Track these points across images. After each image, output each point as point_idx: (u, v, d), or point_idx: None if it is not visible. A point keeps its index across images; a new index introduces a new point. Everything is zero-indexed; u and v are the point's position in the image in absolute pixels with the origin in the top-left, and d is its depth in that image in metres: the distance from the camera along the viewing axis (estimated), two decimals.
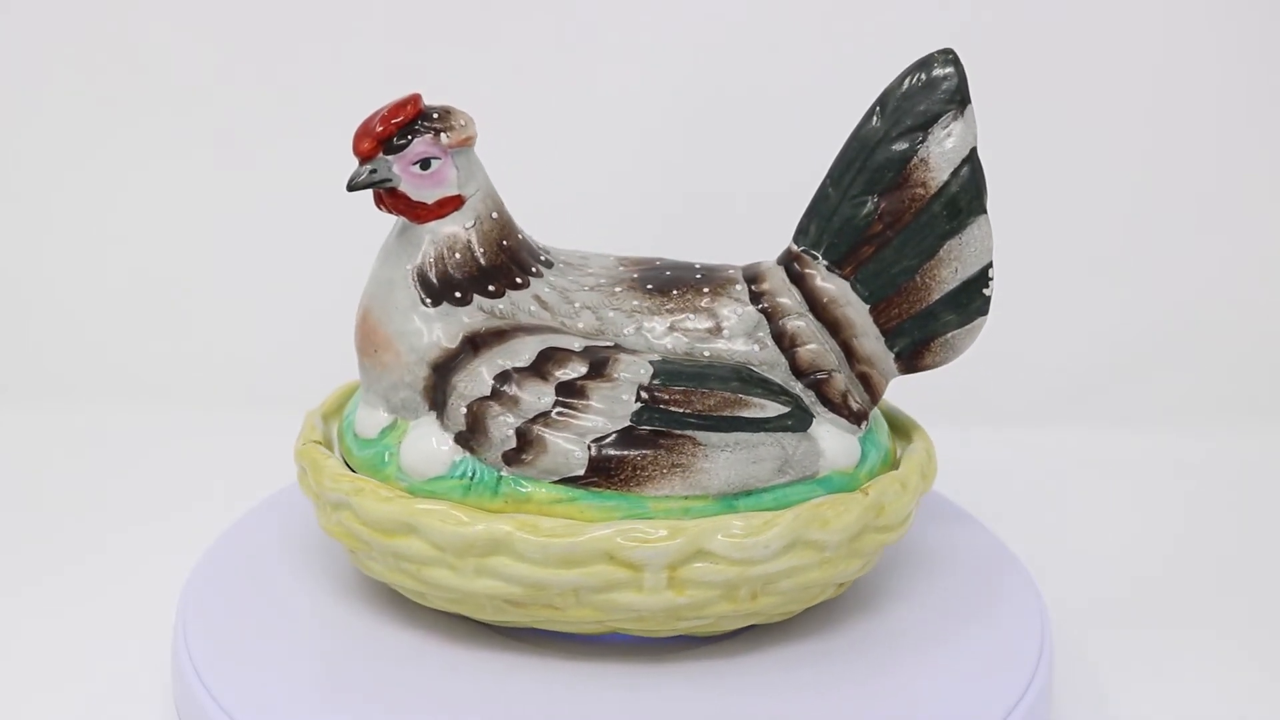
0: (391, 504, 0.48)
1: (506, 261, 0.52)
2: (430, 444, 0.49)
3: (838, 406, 0.51)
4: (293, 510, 0.60)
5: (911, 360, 0.52)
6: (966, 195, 0.50)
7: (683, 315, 0.51)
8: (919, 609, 0.53)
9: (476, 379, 0.49)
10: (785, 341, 0.51)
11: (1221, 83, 0.82)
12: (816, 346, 0.51)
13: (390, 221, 0.53)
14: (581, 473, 0.47)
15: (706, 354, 0.50)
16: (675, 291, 0.52)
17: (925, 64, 0.50)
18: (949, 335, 0.51)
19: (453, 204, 0.51)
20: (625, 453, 0.47)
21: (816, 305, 0.51)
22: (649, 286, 0.52)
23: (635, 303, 0.51)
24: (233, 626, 0.52)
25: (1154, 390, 0.81)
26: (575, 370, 0.48)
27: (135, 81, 0.85)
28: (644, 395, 0.48)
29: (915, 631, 0.52)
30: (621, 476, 0.47)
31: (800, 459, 0.49)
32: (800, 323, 0.51)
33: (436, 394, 0.50)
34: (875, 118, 0.50)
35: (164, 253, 0.86)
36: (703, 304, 0.51)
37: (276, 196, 0.85)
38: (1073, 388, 0.82)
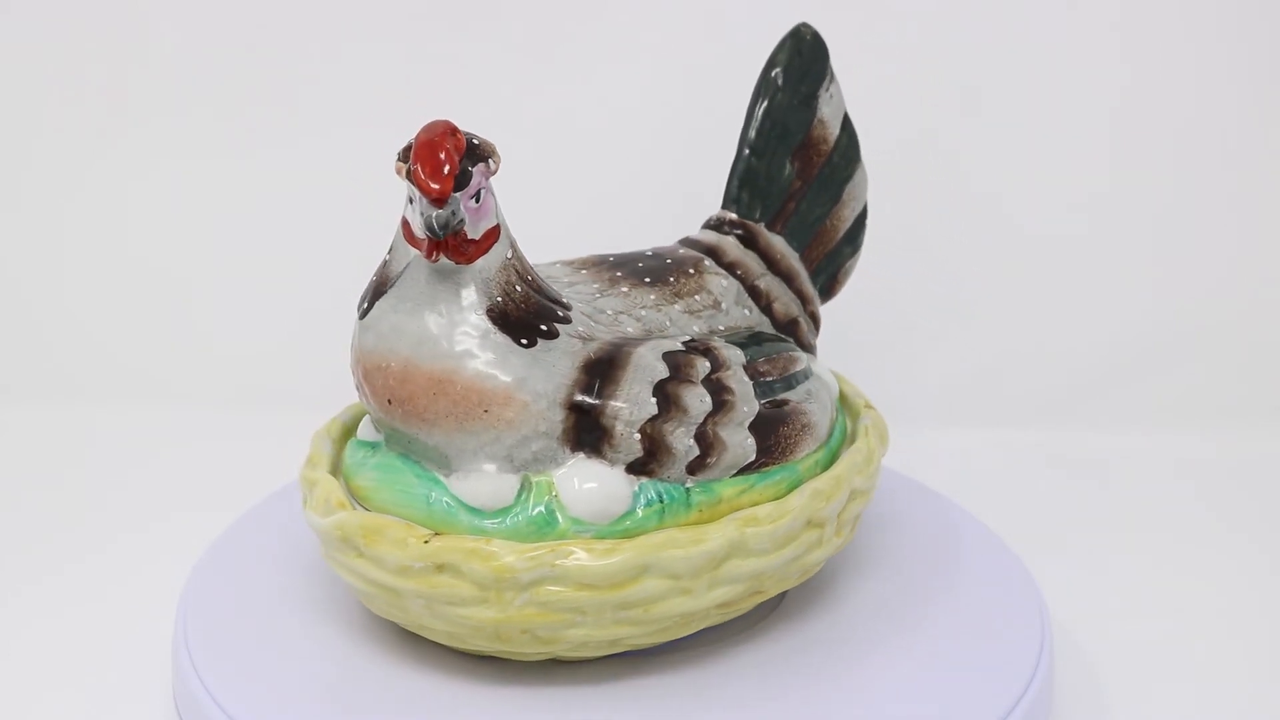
0: (615, 553, 0.45)
1: (543, 285, 0.49)
2: (605, 483, 0.46)
3: (806, 346, 0.57)
4: (293, 509, 0.58)
5: (826, 294, 0.60)
6: (853, 144, 0.59)
7: (690, 299, 0.53)
8: (918, 608, 0.53)
9: (637, 402, 0.47)
10: (762, 301, 0.55)
11: (1224, 83, 0.81)
12: (785, 298, 0.56)
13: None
14: (754, 458, 0.49)
15: (722, 329, 0.53)
16: (670, 279, 0.53)
17: (796, 38, 0.57)
18: (847, 265, 0.60)
19: (494, 235, 0.47)
20: (774, 428, 0.49)
21: (772, 262, 0.57)
22: (647, 279, 0.53)
23: (652, 297, 0.52)
24: (233, 626, 0.51)
25: (1154, 390, 0.81)
26: (703, 367, 0.49)
27: (137, 82, 0.84)
28: (749, 373, 0.50)
29: (914, 631, 0.52)
30: (779, 450, 0.49)
31: (830, 395, 0.55)
32: (767, 281, 0.56)
33: (580, 433, 0.46)
34: (777, 91, 0.57)
35: (165, 254, 0.85)
36: (694, 284, 0.53)
37: (278, 197, 0.84)
38: (1072, 388, 0.81)
